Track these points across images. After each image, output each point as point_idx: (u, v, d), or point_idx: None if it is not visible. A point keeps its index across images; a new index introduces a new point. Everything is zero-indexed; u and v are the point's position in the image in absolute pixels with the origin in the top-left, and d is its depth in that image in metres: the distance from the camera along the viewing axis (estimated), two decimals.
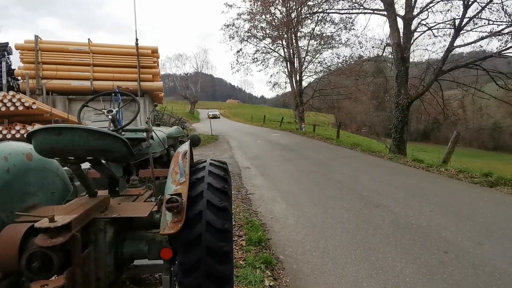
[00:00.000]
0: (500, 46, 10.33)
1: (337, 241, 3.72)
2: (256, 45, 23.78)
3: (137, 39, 13.07)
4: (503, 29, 9.98)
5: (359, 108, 30.37)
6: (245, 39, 23.30)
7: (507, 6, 9.87)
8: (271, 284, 2.89)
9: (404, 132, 11.99)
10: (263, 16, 21.73)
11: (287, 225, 4.35)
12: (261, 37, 23.14)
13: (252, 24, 22.42)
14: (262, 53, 24.09)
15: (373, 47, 16.76)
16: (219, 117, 42.24)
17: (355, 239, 3.75)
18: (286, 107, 39.83)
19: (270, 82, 25.35)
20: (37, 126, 1.69)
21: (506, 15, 9.80)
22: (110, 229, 1.88)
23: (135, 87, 12.44)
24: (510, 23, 9.64)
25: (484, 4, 10.14)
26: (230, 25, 23.14)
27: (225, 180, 1.88)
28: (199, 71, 50.07)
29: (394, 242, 3.60)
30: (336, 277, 2.95)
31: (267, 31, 22.69)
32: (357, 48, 25.39)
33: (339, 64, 21.68)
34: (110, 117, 2.33)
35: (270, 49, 23.89)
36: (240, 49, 23.73)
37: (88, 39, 12.09)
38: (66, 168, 2.58)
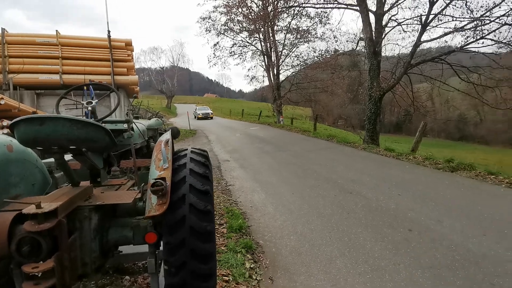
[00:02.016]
0: (462, 41, 11.02)
1: (313, 225, 3.95)
2: (233, 39, 23.68)
3: (109, 31, 12.62)
4: (465, 25, 10.65)
5: (335, 102, 31.13)
6: (222, 32, 23.14)
7: (470, 3, 10.51)
8: (251, 266, 3.05)
9: (377, 123, 12.53)
10: (240, 9, 21.65)
11: (266, 213, 4.53)
12: (238, 31, 23.05)
13: (228, 17, 22.28)
14: (239, 46, 24.03)
15: (347, 41, 17.26)
16: (211, 118, 31.44)
17: (330, 222, 4.00)
18: (264, 101, 39.38)
19: (248, 76, 25.39)
20: (19, 118, 1.71)
21: (469, 11, 10.44)
22: (94, 216, 1.95)
23: (109, 81, 12.06)
24: (472, 19, 10.29)
25: (448, 1, 10.75)
26: (206, 18, 22.86)
27: (206, 166, 2.00)
28: (175, 65, 49.05)
29: (365, 223, 3.88)
30: (312, 257, 3.17)
31: (244, 25, 22.65)
32: (332, 42, 25.96)
33: (315, 58, 22.13)
34: (90, 108, 2.36)
35: (247, 42, 23.88)
36: (217, 43, 23.55)
37: (56, 30, 11.55)
38: (44, 160, 2.59)
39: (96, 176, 2.43)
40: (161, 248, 2.02)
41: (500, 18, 9.53)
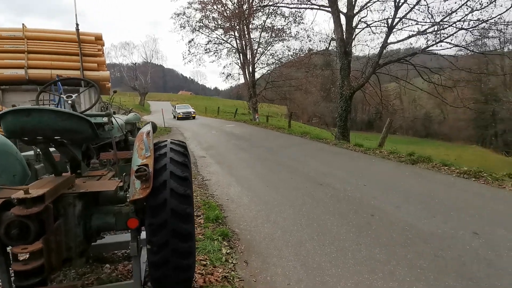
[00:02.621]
0: (424, 44, 11.83)
1: (286, 214, 4.22)
2: (208, 36, 23.59)
3: (77, 24, 12.21)
4: (426, 29, 11.44)
5: (309, 100, 31.95)
6: (197, 29, 22.98)
7: (432, 8, 11.31)
8: (228, 251, 3.26)
9: (348, 120, 13.15)
10: (215, 6, 21.62)
11: (242, 204, 4.75)
12: (213, 28, 23.00)
13: (203, 14, 22.17)
14: (214, 43, 23.98)
15: (320, 41, 17.85)
16: (194, 117, 26.95)
17: (301, 211, 4.29)
18: (240, 99, 39.41)
19: (223, 73, 25.45)
20: (5, 109, 1.80)
21: (429, 16, 11.22)
22: (78, 203, 2.07)
23: (78, 76, 11.67)
24: (432, 24, 11.08)
25: (412, 6, 11.49)
26: (180, 14, 22.60)
27: (185, 156, 2.18)
28: (149, 61, 47.82)
29: (333, 211, 4.21)
30: (284, 241, 3.43)
31: (219, 22, 22.63)
32: (306, 42, 26.64)
33: (290, 57, 22.59)
34: (70, 102, 2.44)
35: (223, 40, 23.88)
36: (192, 39, 23.37)
37: (23, 24, 11.01)
38: (23, 153, 2.64)
39: (76, 168, 2.52)
40: (142, 234, 2.17)
41: (457, 23, 10.36)
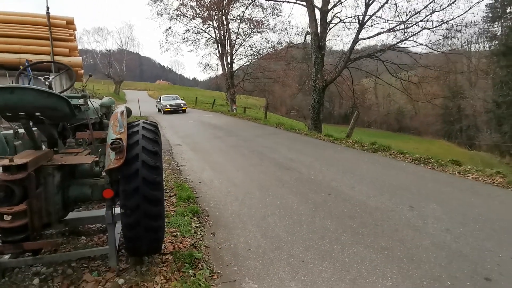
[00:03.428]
0: (392, 40, 12.53)
1: (253, 195, 4.60)
2: (186, 25, 23.28)
3: (48, 8, 11.80)
4: (394, 27, 12.12)
5: (288, 92, 32.44)
6: (174, 17, 22.61)
7: (400, 8, 11.93)
8: (197, 225, 3.59)
9: (320, 112, 13.71)
10: None
11: (213, 187, 5.08)
12: (191, 17, 22.72)
13: (181, 2, 21.83)
14: (192, 33, 23.72)
15: (296, 35, 18.24)
16: (184, 110, 21.92)
17: (267, 192, 4.68)
18: (218, 90, 39.15)
19: (201, 63, 25.26)
20: None
21: (396, 15, 11.88)
22: (57, 174, 2.32)
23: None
24: (399, 22, 11.76)
25: (381, 5, 12.10)
26: (157, 0, 22.11)
27: (155, 133, 2.46)
28: (124, 48, 46.27)
29: (296, 191, 4.64)
30: (249, 216, 3.81)
31: (197, 11, 22.39)
32: (284, 35, 26.96)
33: (268, 49, 22.85)
34: (47, 83, 2.64)
35: (201, 29, 23.68)
36: (169, 28, 23.01)
37: None
38: (2, 132, 2.81)
39: (53, 145, 2.74)
40: (116, 210, 2.45)
41: (419, 23, 11.09)
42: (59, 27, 12.04)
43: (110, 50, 45.65)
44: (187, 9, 22.28)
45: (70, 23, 12.71)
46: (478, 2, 10.20)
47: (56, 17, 11.91)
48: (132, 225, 2.22)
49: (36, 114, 2.11)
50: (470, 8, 10.19)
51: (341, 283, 2.41)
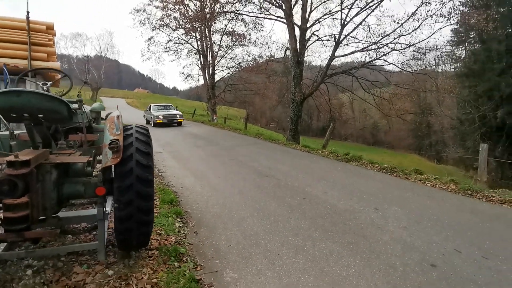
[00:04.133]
0: (365, 59, 13.43)
1: (233, 199, 4.87)
2: (168, 35, 23.51)
3: (28, 12, 11.72)
4: (367, 47, 13.03)
5: (268, 104, 33.13)
6: (157, 27, 22.80)
7: (373, 30, 12.85)
8: (180, 225, 3.82)
9: (298, 124, 14.27)
10: (176, 6, 21.69)
11: (195, 192, 5.30)
12: (174, 27, 23.00)
13: (164, 12, 22.10)
14: (175, 43, 23.95)
15: (277, 49, 18.98)
16: (180, 123, 18.42)
17: (246, 196, 4.97)
18: (199, 100, 39.16)
19: (183, 73, 25.47)
20: None
21: (369, 35, 12.80)
22: (54, 172, 2.52)
23: (25, 65, 11.18)
24: (370, 43, 12.68)
25: (355, 26, 13.01)
26: (141, 10, 22.27)
27: (148, 137, 2.72)
28: (103, 55, 45.54)
29: (273, 196, 4.96)
30: (229, 218, 4.07)
31: (181, 22, 22.73)
32: (265, 49, 27.81)
33: (250, 62, 23.47)
34: (45, 88, 2.84)
35: (184, 40, 23.97)
36: (152, 37, 23.11)
37: None
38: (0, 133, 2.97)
39: (47, 146, 2.92)
40: (107, 208, 2.66)
41: (389, 44, 12.05)
42: (39, 32, 11.95)
43: (88, 56, 44.76)
44: (171, 20, 22.59)
45: (50, 28, 12.62)
46: (440, 28, 11.31)
47: (35, 22, 11.80)
48: (125, 218, 2.45)
49: (39, 116, 2.32)
50: (432, 34, 11.25)
51: (311, 271, 2.73)
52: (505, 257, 2.88)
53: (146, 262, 2.80)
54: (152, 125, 17.86)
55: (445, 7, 10.54)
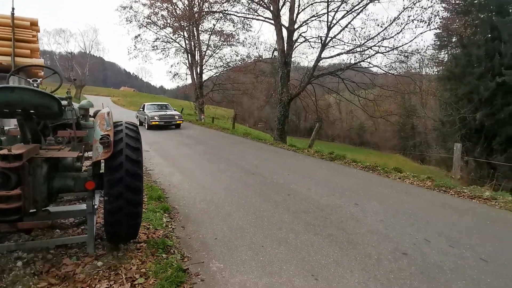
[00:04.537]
0: (350, 61, 13.81)
1: (220, 195, 5.01)
2: (156, 33, 23.33)
3: (13, 9, 11.47)
4: (352, 49, 13.39)
5: (256, 105, 33.29)
6: (144, 25, 22.58)
7: (359, 32, 13.21)
8: (168, 220, 3.92)
9: (285, 124, 14.51)
10: (164, 4, 21.55)
11: (182, 189, 5.40)
12: (161, 26, 22.84)
13: (152, 10, 21.93)
14: (162, 41, 23.81)
15: (265, 50, 19.18)
16: (179, 125, 16.44)
17: (233, 193, 5.11)
18: (186, 99, 38.89)
19: (170, 72, 25.30)
20: None
21: (354, 38, 13.17)
22: (44, 166, 2.59)
23: (9, 62, 10.95)
24: (355, 45, 13.04)
25: (341, 28, 13.36)
26: (127, 7, 22.01)
27: (137, 133, 2.83)
28: (88, 52, 44.63)
29: (259, 192, 5.12)
30: (216, 213, 4.20)
31: (168, 21, 22.59)
32: (253, 49, 28.00)
33: (238, 62, 23.56)
34: (36, 85, 2.90)
35: (171, 39, 23.84)
36: (139, 35, 22.88)
37: None
38: None
39: (37, 142, 2.98)
40: (96, 203, 2.75)
41: (374, 47, 12.44)
42: (23, 28, 11.72)
43: (71, 52, 43.78)
44: (158, 18, 22.42)
45: (34, 25, 12.40)
46: (421, 33, 11.74)
47: (20, 18, 11.58)
48: (115, 211, 2.55)
49: (31, 111, 2.40)
50: (414, 38, 11.70)
51: (293, 260, 2.90)
52: (469, 245, 3.13)
53: (135, 254, 2.91)
54: (147, 127, 15.72)
55: (426, 13, 10.98)
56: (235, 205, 4.50)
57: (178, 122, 16.24)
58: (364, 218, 3.93)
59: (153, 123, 15.27)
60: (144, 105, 17.93)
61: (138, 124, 15.97)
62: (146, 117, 15.97)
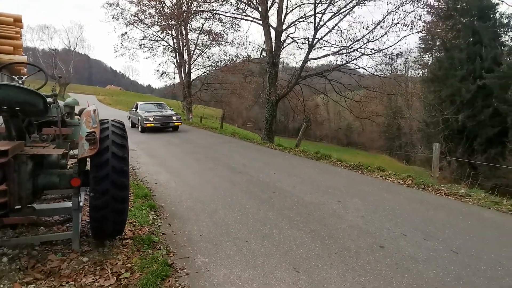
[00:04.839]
0: (336, 62, 14.06)
1: (207, 193, 5.07)
2: (143, 31, 23.05)
3: None
4: (338, 51, 13.65)
5: (245, 105, 33.31)
6: (131, 22, 22.27)
7: (346, 34, 13.45)
8: (154, 218, 3.96)
9: (273, 124, 14.65)
10: (152, 2, 21.33)
11: (169, 187, 5.43)
12: (149, 24, 22.57)
13: (139, 8, 21.65)
14: (150, 40, 23.53)
15: (253, 50, 19.27)
16: (177, 127, 14.80)
17: (220, 191, 5.19)
18: (174, 98, 38.51)
19: (158, 71, 25.00)
20: None
21: (341, 40, 13.42)
22: (30, 163, 2.61)
23: None
24: (341, 47, 13.30)
25: (328, 30, 13.58)
26: (114, 4, 21.65)
27: (123, 131, 2.87)
28: (72, 49, 43.64)
29: (245, 190, 5.21)
30: (202, 210, 4.27)
31: (156, 19, 22.35)
32: (242, 49, 28.06)
33: (226, 62, 23.54)
34: (21, 82, 2.90)
35: (159, 37, 23.59)
36: (126, 33, 22.54)
37: None
38: None
39: (22, 139, 2.98)
40: (81, 200, 2.77)
41: (360, 49, 12.72)
42: (6, 25, 11.44)
43: (55, 49, 42.72)
44: (146, 16, 22.16)
45: (17, 21, 12.11)
46: (405, 36, 12.06)
47: (3, 14, 11.30)
48: (101, 207, 2.59)
49: (16, 108, 2.41)
50: (398, 41, 12.01)
51: (276, 254, 3.01)
52: (442, 239, 3.31)
53: (120, 250, 2.95)
54: (140, 129, 13.96)
55: (409, 17, 11.31)
56: (221, 203, 4.58)
57: (176, 124, 14.39)
58: (345, 214, 4.08)
59: (148, 125, 13.59)
60: (137, 104, 16.07)
61: (131, 126, 15.24)
62: (139, 118, 14.20)
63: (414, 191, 5.30)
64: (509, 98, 20.45)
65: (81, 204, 2.92)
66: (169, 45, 23.84)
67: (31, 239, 2.83)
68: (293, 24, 15.00)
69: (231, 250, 3.12)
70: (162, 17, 21.46)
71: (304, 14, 14.36)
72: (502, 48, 23.07)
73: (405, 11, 11.10)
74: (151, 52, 23.72)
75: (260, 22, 15.04)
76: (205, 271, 2.73)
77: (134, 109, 15.83)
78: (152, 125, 13.68)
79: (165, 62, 25.89)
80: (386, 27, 11.87)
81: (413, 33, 11.52)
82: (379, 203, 4.54)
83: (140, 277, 2.51)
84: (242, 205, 4.46)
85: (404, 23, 11.24)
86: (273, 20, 15.04)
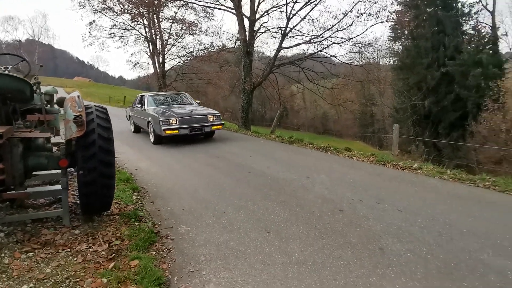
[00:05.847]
0: (308, 51, 14.54)
1: (187, 176, 5.40)
2: (113, 19, 22.28)
3: None
4: (310, 39, 14.11)
5: (221, 94, 33.26)
6: (99, 10, 21.43)
7: (317, 24, 13.89)
8: (137, 198, 4.26)
9: (249, 112, 14.99)
10: None
11: (150, 172, 5.70)
12: (118, 12, 21.85)
13: None
14: (120, 28, 22.82)
15: (227, 39, 19.34)
16: (213, 132, 9.30)
17: (199, 173, 5.53)
18: (149, 89, 37.67)
19: (130, 61, 24.38)
20: None
21: (312, 29, 13.89)
22: (20, 145, 2.83)
23: None
24: (312, 36, 13.77)
25: (300, 19, 13.98)
26: None
27: (107, 115, 3.13)
28: (36, 39, 41.24)
29: (224, 172, 5.58)
30: (183, 190, 4.61)
31: (126, 7, 21.67)
32: (216, 38, 27.90)
33: (201, 51, 23.38)
34: (7, 71, 3.05)
35: (130, 26, 22.95)
36: (94, 21, 21.70)
37: None
38: None
39: (9, 124, 3.16)
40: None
41: (330, 38, 13.27)
42: None
43: (19, 40, 40.22)
44: (114, 3, 21.40)
45: None
46: (372, 26, 12.73)
47: None
48: (89, 183, 2.87)
49: (9, 95, 2.62)
50: (366, 30, 12.74)
51: (250, 221, 3.43)
52: (391, 201, 3.88)
53: (109, 224, 3.25)
54: (153, 139, 8.64)
55: (375, 7, 11.93)
56: (201, 182, 4.94)
57: (214, 127, 8.92)
58: (312, 187, 4.57)
59: (168, 132, 8.05)
60: (143, 97, 10.04)
61: (133, 130, 10.91)
62: (151, 118, 8.71)
63: (375, 167, 5.91)
64: (469, 84, 22.00)
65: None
66: (141, 35, 23.30)
67: (24, 217, 3.06)
68: (266, 13, 15.23)
69: (210, 219, 3.51)
70: (132, 4, 20.86)
71: (277, 3, 14.63)
72: (463, 36, 24.57)
73: (370, 1, 11.69)
74: (122, 42, 23.02)
75: (234, 11, 15.15)
76: (188, 237, 3.10)
77: (138, 105, 9.96)
78: (177, 132, 8.16)
79: (138, 52, 25.41)
80: (354, 16, 12.47)
81: (378, 23, 12.16)
82: (343, 177, 5.09)
83: (130, 243, 2.84)
84: (220, 184, 4.84)
85: (369, 13, 11.84)
86: (246, 9, 15.21)
